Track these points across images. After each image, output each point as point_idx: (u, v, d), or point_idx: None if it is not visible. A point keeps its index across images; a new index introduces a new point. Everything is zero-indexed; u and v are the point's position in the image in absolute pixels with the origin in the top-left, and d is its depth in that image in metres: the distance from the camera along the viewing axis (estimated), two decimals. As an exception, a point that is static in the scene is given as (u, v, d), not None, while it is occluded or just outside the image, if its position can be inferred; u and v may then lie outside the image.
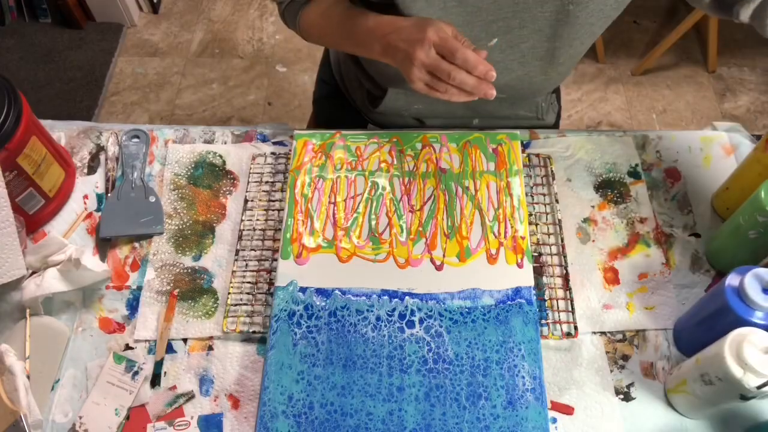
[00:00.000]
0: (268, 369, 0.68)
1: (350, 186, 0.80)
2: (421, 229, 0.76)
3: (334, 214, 0.78)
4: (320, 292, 0.72)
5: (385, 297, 0.72)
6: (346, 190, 0.79)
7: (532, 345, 0.68)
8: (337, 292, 0.72)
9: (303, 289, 0.72)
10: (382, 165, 0.81)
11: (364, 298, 0.72)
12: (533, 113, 0.92)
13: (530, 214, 0.80)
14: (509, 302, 0.71)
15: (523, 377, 0.67)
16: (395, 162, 0.82)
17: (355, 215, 0.77)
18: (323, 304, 0.71)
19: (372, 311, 0.71)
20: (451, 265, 0.74)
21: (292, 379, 0.67)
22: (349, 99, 0.99)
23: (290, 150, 0.84)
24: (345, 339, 0.69)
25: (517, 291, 0.72)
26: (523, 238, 0.75)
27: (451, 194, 0.79)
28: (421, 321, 0.70)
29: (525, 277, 0.73)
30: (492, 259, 0.74)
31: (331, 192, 0.79)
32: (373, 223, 0.77)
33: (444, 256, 0.74)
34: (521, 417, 0.65)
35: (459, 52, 0.62)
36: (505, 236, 0.75)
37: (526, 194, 0.80)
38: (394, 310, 0.71)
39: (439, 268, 0.74)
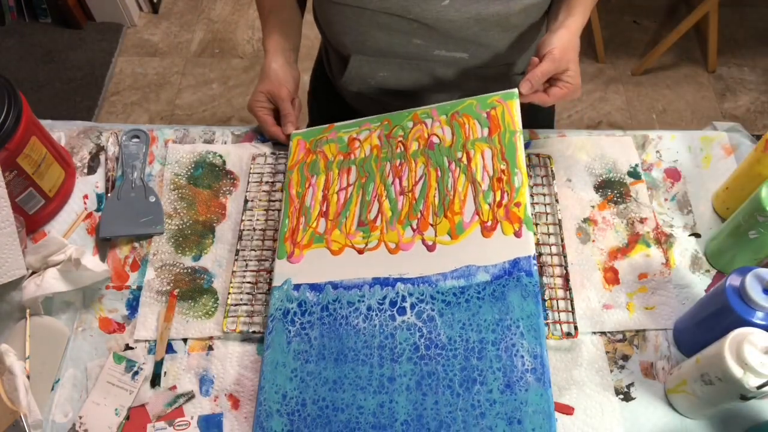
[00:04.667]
0: (264, 369, 0.68)
1: (342, 177, 0.78)
2: (411, 210, 0.73)
3: (327, 208, 0.76)
4: (313, 287, 0.71)
5: (377, 285, 0.69)
6: (339, 182, 0.78)
7: (532, 320, 0.63)
8: (328, 286, 0.71)
9: (297, 287, 0.72)
10: (373, 151, 0.79)
11: (355, 289, 0.70)
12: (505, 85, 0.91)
13: (530, 214, 0.80)
14: (506, 276, 0.65)
15: (522, 356, 0.62)
16: (384, 146, 0.78)
17: (347, 205, 0.76)
18: (316, 299, 0.70)
19: (363, 301, 0.69)
20: (444, 244, 0.70)
21: (286, 377, 0.67)
22: (336, 87, 0.99)
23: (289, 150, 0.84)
24: (337, 332, 0.68)
25: (515, 263, 0.66)
26: (519, 204, 0.69)
27: (442, 169, 0.74)
28: (412, 306, 0.67)
29: (524, 247, 0.66)
30: (487, 231, 0.68)
31: (324, 186, 0.78)
32: (365, 210, 0.75)
33: (436, 235, 0.71)
34: (520, 401, 0.60)
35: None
36: (500, 205, 0.70)
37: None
38: (385, 297, 0.69)
39: (431, 248, 0.70)
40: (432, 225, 0.71)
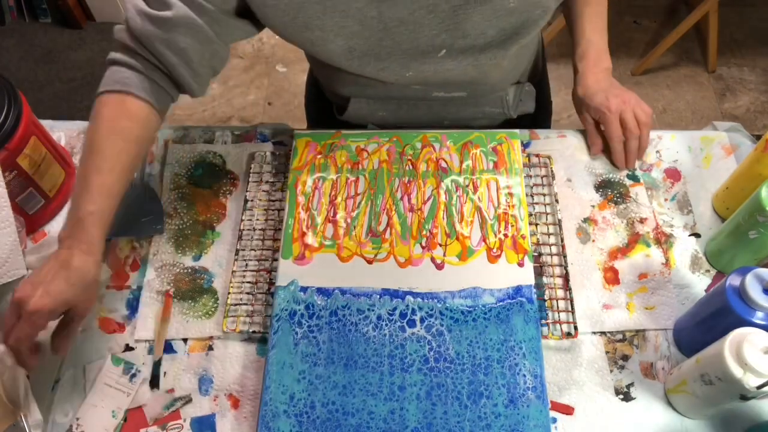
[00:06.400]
0: (269, 369, 0.68)
1: (350, 186, 0.80)
2: (421, 228, 0.76)
3: (335, 214, 0.77)
4: (321, 291, 0.72)
5: (386, 296, 0.72)
6: (346, 190, 0.79)
7: (533, 343, 0.68)
8: (337, 291, 0.72)
9: (304, 289, 0.72)
10: (383, 165, 0.81)
11: (364, 297, 0.72)
12: (499, 108, 0.92)
13: (530, 214, 0.80)
14: (510, 300, 0.71)
15: (524, 375, 0.67)
16: (395, 162, 0.82)
17: (355, 215, 0.77)
18: (324, 303, 0.71)
19: (373, 310, 0.71)
20: (452, 264, 0.74)
21: (293, 378, 0.67)
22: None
23: (290, 150, 0.84)
24: (346, 338, 0.69)
25: (518, 290, 0.71)
26: (524, 237, 0.75)
27: (450, 194, 0.79)
28: (422, 320, 0.70)
29: (526, 276, 0.72)
30: (493, 258, 0.74)
31: (331, 192, 0.79)
32: (374, 222, 0.77)
33: (444, 255, 0.74)
34: (522, 415, 0.65)
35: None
36: (506, 235, 0.75)
37: (526, 194, 0.80)
38: (395, 309, 0.71)
39: (439, 267, 0.74)
40: (441, 245, 0.75)
